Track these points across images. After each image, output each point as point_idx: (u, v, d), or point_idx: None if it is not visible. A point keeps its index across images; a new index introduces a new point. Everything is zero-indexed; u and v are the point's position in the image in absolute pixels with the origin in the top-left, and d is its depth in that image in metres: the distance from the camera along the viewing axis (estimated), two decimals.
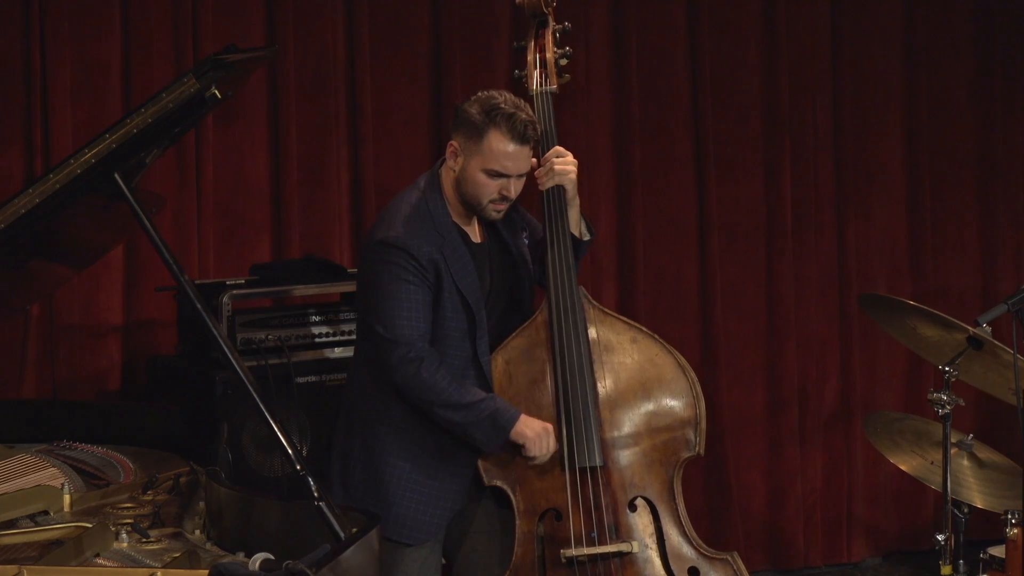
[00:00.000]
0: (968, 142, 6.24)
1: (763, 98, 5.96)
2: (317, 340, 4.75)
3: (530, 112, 3.87)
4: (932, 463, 4.39)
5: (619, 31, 5.75)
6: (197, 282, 4.69)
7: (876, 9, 6.10)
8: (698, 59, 5.84)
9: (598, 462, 3.89)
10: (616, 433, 3.92)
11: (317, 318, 4.76)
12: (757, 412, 6.00)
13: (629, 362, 3.94)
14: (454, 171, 3.89)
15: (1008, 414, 4.36)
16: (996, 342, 4.10)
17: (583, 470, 3.88)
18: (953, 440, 4.29)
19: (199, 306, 3.40)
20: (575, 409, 3.89)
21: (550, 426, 3.86)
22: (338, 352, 4.72)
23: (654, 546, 3.91)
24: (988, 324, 4.05)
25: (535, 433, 3.84)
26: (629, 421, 3.92)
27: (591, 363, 3.92)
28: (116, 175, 3.44)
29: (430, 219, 3.87)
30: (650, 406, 3.94)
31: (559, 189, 3.98)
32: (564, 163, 3.98)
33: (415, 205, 3.89)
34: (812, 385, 6.05)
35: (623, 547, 3.88)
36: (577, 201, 4.04)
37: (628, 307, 5.76)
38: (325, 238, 5.32)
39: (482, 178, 3.84)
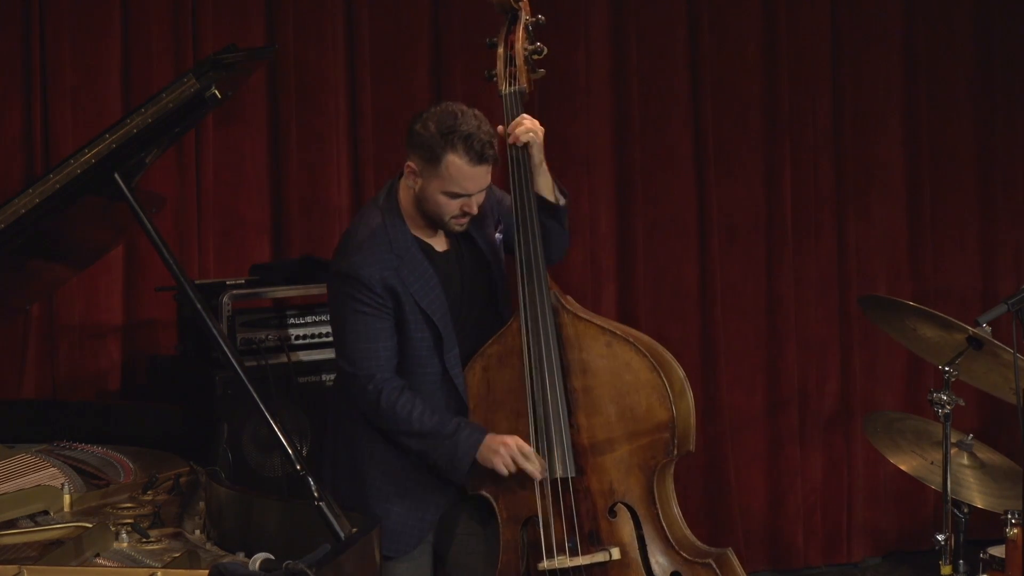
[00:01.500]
0: (968, 142, 6.25)
1: (763, 98, 5.96)
2: (317, 340, 4.75)
3: (487, 128, 3.77)
4: (932, 463, 4.39)
5: (619, 31, 5.75)
6: (197, 282, 4.69)
7: (876, 9, 6.11)
8: (698, 59, 5.84)
9: (569, 473, 3.83)
10: (593, 440, 3.86)
11: (317, 318, 4.76)
12: (757, 412, 6.00)
13: (604, 367, 3.86)
14: (413, 190, 3.83)
15: (1008, 414, 4.36)
16: (996, 342, 4.09)
17: (554, 481, 3.84)
18: (953, 440, 4.29)
19: (199, 306, 3.41)
20: (545, 421, 3.83)
21: (512, 441, 3.79)
22: None
23: (636, 552, 3.85)
24: (988, 324, 4.05)
25: (499, 456, 3.77)
26: (605, 427, 3.86)
27: (563, 372, 3.85)
28: (116, 175, 3.44)
29: (386, 240, 3.82)
30: (625, 411, 3.85)
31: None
32: (532, 125, 3.87)
33: (372, 227, 3.85)
34: (812, 385, 6.05)
35: (599, 557, 3.83)
36: (545, 166, 3.91)
37: (628, 307, 5.77)
38: (325, 238, 5.32)
39: (443, 199, 3.79)
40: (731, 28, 5.91)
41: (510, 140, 3.89)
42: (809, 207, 6.02)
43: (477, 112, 3.80)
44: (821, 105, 6.03)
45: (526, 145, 3.87)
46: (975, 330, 4.09)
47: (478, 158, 3.74)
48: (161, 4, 5.10)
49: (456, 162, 3.74)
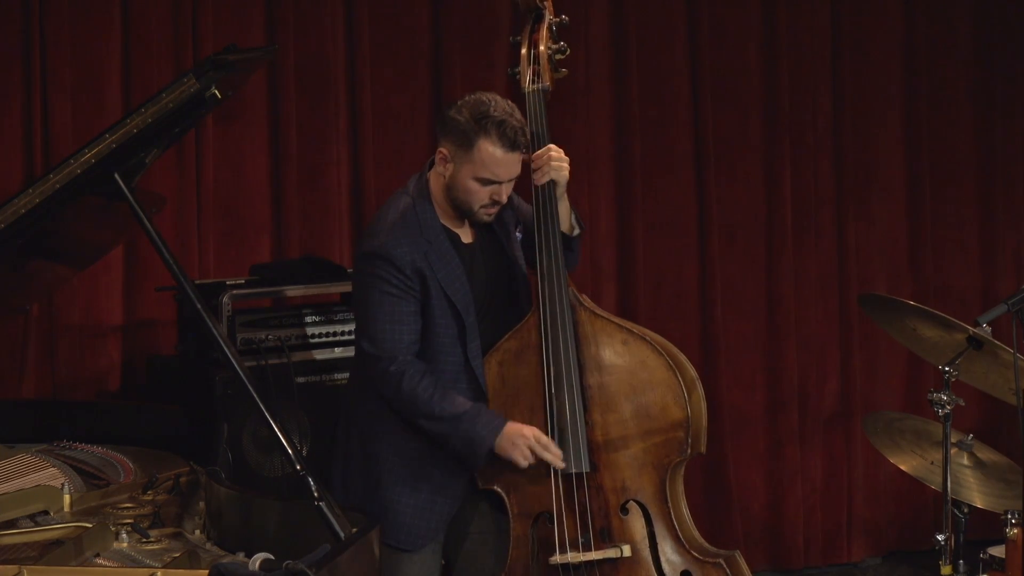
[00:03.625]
0: (968, 142, 6.24)
1: (763, 98, 5.96)
2: (317, 340, 4.75)
3: (519, 116, 3.83)
4: (932, 463, 4.39)
5: (619, 31, 5.75)
6: (197, 282, 4.69)
7: (876, 9, 6.11)
8: (698, 59, 5.84)
9: (584, 468, 3.85)
10: (607, 436, 3.87)
11: (317, 318, 4.76)
12: (757, 412, 6.00)
13: (620, 364, 3.89)
14: (444, 177, 3.86)
15: (1008, 414, 4.37)
16: (996, 342, 4.09)
17: (569, 476, 3.85)
18: (953, 440, 4.29)
19: (199, 306, 3.41)
20: (561, 416, 3.84)
21: (530, 432, 3.81)
22: (338, 352, 4.72)
23: (647, 550, 3.87)
24: (988, 324, 4.05)
25: (517, 448, 3.79)
26: (620, 424, 3.88)
27: (579, 369, 3.87)
28: (116, 175, 3.45)
29: (417, 225, 3.85)
30: (640, 409, 3.88)
31: (551, 185, 3.92)
32: (560, 159, 3.93)
33: (402, 211, 3.87)
34: (812, 385, 6.05)
35: (610, 553, 3.85)
36: (566, 196, 3.98)
37: (628, 307, 5.77)
38: (325, 238, 5.32)
39: (474, 185, 3.82)
40: (731, 28, 5.91)
41: (535, 177, 3.91)
42: (809, 207, 6.02)
43: (511, 103, 3.85)
44: (821, 105, 6.03)
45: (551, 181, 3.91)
46: (975, 330, 4.09)
47: (511, 144, 3.78)
48: (161, 4, 5.10)
49: (489, 148, 3.78)
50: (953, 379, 4.16)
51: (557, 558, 3.84)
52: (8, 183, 4.86)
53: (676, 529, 3.88)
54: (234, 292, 4.68)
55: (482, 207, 3.86)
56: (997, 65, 6.23)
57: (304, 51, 5.29)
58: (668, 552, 3.88)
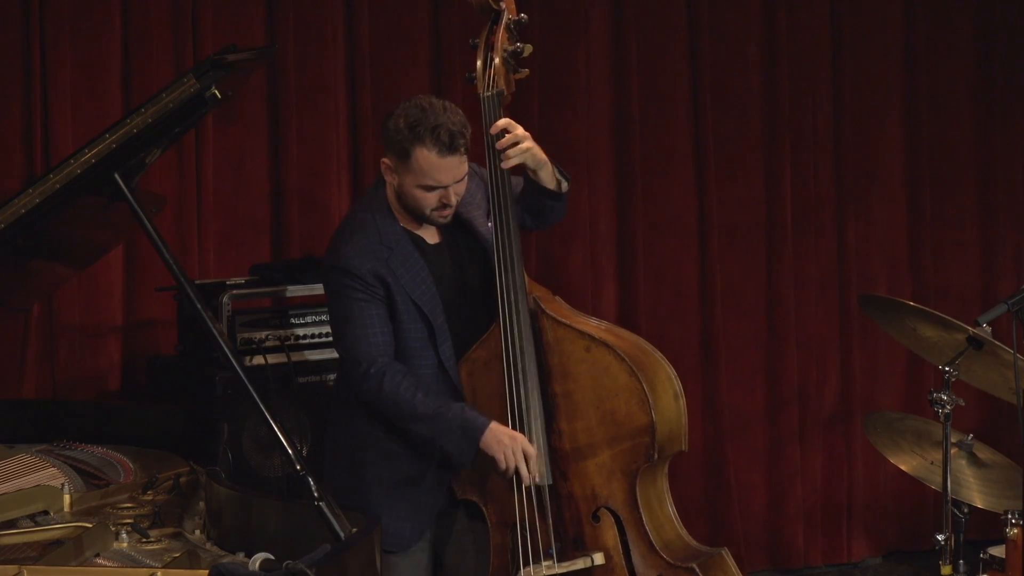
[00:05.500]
0: (968, 143, 6.25)
1: (763, 98, 5.96)
2: (317, 340, 4.75)
3: (457, 118, 3.76)
4: (932, 463, 4.39)
5: (619, 31, 5.75)
6: (197, 282, 4.69)
7: (876, 9, 6.11)
8: (698, 59, 5.84)
9: (546, 482, 3.81)
10: (575, 444, 3.83)
11: (317, 318, 4.76)
12: (757, 412, 6.00)
13: (583, 372, 3.82)
14: (393, 186, 3.86)
15: (1008, 414, 4.37)
16: (996, 342, 4.10)
17: (529, 489, 3.81)
18: (953, 440, 4.29)
19: (199, 306, 3.41)
20: (522, 428, 3.79)
21: (521, 437, 3.78)
22: None
23: (620, 557, 3.82)
24: (988, 324, 4.05)
25: (502, 446, 3.75)
26: (587, 432, 3.82)
27: (545, 377, 3.83)
28: (116, 175, 3.45)
29: (376, 233, 3.84)
30: (606, 416, 3.81)
31: (506, 186, 3.85)
32: (523, 142, 3.83)
33: (361, 221, 3.87)
34: (812, 385, 6.05)
35: (579, 564, 3.81)
36: (544, 157, 3.88)
37: (628, 307, 5.77)
38: (325, 238, 5.28)
39: (419, 193, 3.79)
40: (731, 28, 5.91)
41: (503, 164, 3.86)
42: (809, 207, 6.02)
43: (448, 104, 3.80)
44: (821, 105, 6.03)
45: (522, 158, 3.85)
46: (975, 330, 4.09)
47: (448, 149, 3.74)
48: (161, 4, 5.10)
49: (425, 155, 3.74)
50: (953, 379, 4.17)
51: (521, 574, 3.81)
52: (8, 183, 4.86)
53: (648, 534, 3.81)
54: (234, 292, 4.69)
55: (434, 211, 3.83)
56: (997, 65, 6.24)
57: (304, 51, 5.29)
58: (641, 558, 3.82)
